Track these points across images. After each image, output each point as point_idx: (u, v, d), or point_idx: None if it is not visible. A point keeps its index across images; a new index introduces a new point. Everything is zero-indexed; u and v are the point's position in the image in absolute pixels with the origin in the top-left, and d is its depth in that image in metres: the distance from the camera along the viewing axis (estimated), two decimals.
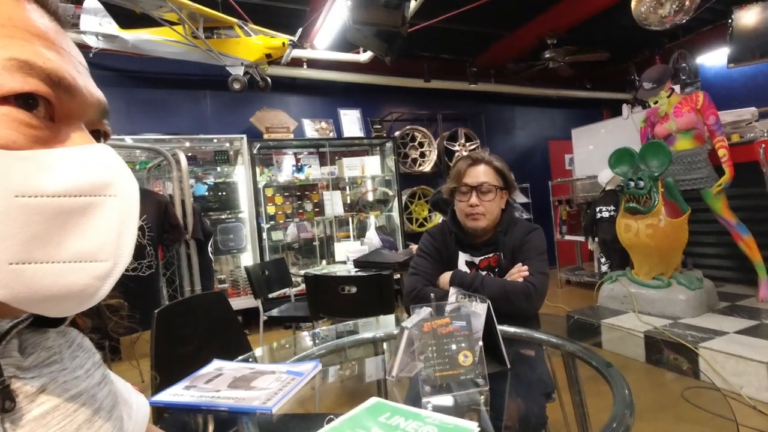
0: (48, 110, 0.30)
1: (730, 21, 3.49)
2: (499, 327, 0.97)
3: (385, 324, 1.44)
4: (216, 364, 1.10)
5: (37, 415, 0.31)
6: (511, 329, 1.19)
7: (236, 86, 3.37)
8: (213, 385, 0.96)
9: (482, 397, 0.84)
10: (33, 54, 0.28)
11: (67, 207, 0.28)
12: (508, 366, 0.96)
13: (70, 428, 0.33)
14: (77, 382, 0.35)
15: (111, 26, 3.20)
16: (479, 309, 0.91)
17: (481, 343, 0.88)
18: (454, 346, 0.86)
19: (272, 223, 4.28)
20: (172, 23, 3.11)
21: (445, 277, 1.42)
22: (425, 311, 0.92)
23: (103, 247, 0.31)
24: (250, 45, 3.26)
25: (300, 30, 3.41)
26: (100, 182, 0.30)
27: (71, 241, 0.29)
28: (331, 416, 0.74)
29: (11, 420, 0.30)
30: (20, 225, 0.26)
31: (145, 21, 3.16)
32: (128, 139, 3.38)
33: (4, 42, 0.27)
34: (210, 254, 3.08)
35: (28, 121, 0.28)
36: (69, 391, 0.34)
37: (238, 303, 3.82)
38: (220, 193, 4.02)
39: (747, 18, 3.41)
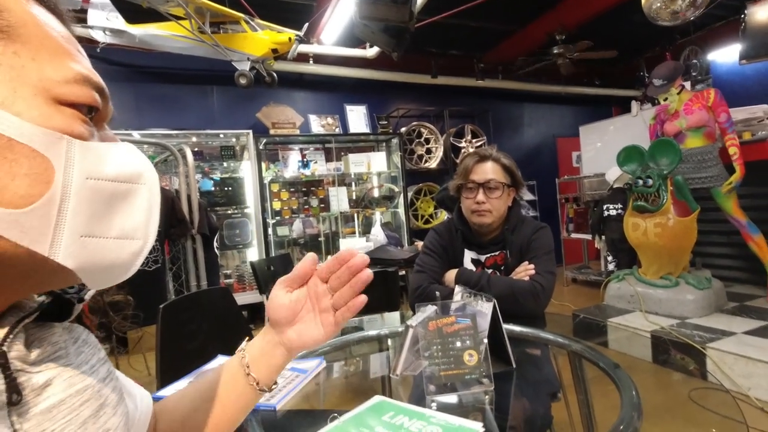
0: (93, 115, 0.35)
1: (743, 16, 3.42)
2: (505, 326, 0.96)
3: (390, 321, 1.44)
4: (220, 360, 1.10)
5: (44, 409, 0.32)
6: (517, 328, 1.18)
7: (242, 81, 3.37)
8: None
9: (487, 396, 0.84)
10: (87, 69, 0.34)
11: (116, 191, 0.33)
12: (514, 366, 0.95)
13: (75, 422, 0.34)
14: (83, 377, 0.36)
15: (118, 21, 3.20)
16: (485, 308, 0.90)
17: (486, 342, 0.87)
18: (459, 345, 0.85)
19: (278, 218, 4.29)
20: (178, 18, 3.11)
21: (451, 274, 1.41)
22: (430, 309, 0.91)
23: (138, 228, 0.35)
24: (257, 40, 3.25)
25: (306, 25, 3.40)
26: (137, 172, 0.35)
27: (116, 221, 0.33)
28: (335, 414, 0.73)
29: (18, 413, 0.31)
30: (87, 203, 0.31)
31: (153, 16, 3.17)
32: (135, 134, 3.39)
33: (62, 59, 0.32)
34: (216, 249, 3.09)
35: (87, 124, 0.34)
36: (74, 385, 0.35)
37: (244, 298, 3.84)
38: (226, 189, 4.03)
39: (761, 14, 3.34)
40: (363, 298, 0.52)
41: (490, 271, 1.44)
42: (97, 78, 0.35)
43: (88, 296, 0.39)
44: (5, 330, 0.32)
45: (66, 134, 0.31)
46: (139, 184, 0.35)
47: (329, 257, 0.51)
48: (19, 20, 0.30)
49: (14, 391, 0.30)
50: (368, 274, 0.51)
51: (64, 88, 0.31)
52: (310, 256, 0.52)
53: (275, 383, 0.54)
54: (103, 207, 0.32)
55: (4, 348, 0.31)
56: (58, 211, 0.29)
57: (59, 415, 0.33)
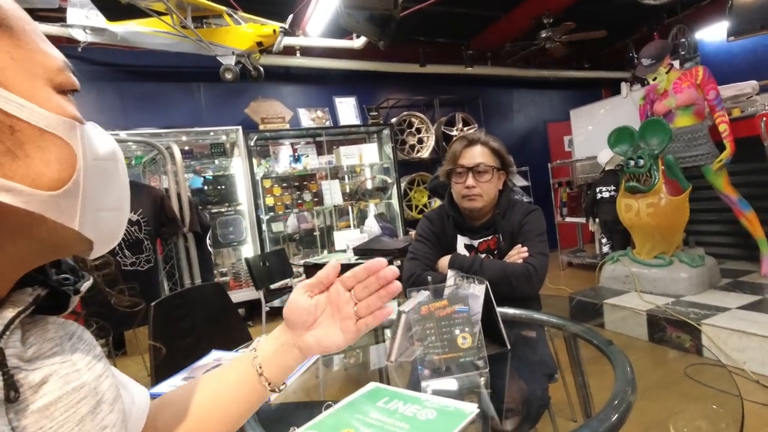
0: None
1: None
2: (500, 309, 0.95)
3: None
4: (215, 354, 1.09)
5: (41, 407, 0.32)
6: (512, 311, 1.18)
7: (228, 76, 3.32)
8: None
9: (482, 379, 0.83)
10: (59, 53, 0.35)
11: (106, 168, 0.36)
12: (508, 347, 0.95)
13: (73, 420, 0.33)
14: (79, 375, 0.36)
15: (98, 19, 3.14)
16: (477, 291, 0.90)
17: (480, 324, 0.86)
18: (452, 329, 0.85)
19: (271, 214, 4.27)
20: (160, 13, 3.05)
21: (444, 261, 1.41)
22: (423, 294, 0.90)
23: (122, 199, 0.38)
24: (241, 33, 3.20)
25: (291, 16, 3.35)
26: (113, 150, 0.38)
27: (109, 195, 0.37)
28: (330, 402, 0.73)
29: (15, 411, 0.31)
30: (95, 181, 0.34)
31: (134, 13, 3.11)
32: (122, 134, 3.34)
33: (47, 47, 0.34)
34: (209, 247, 3.07)
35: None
36: (71, 383, 0.35)
37: (241, 295, 3.83)
38: (218, 187, 4.00)
39: None
40: (390, 309, 0.52)
41: (483, 255, 1.43)
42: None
43: (83, 288, 0.39)
44: (1, 326, 0.31)
45: (76, 121, 0.34)
46: (116, 160, 0.38)
47: (356, 267, 0.51)
48: (9, 11, 0.32)
49: (12, 388, 0.30)
50: (398, 285, 0.51)
51: (61, 76, 0.34)
52: (334, 262, 0.53)
53: (284, 383, 0.54)
54: (102, 183, 0.36)
55: (1, 345, 0.31)
56: (82, 191, 0.33)
57: (57, 413, 0.33)
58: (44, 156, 0.31)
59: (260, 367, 0.51)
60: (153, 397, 0.52)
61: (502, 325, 0.94)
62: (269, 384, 0.51)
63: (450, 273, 1.13)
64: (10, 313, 0.32)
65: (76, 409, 0.34)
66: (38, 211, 0.30)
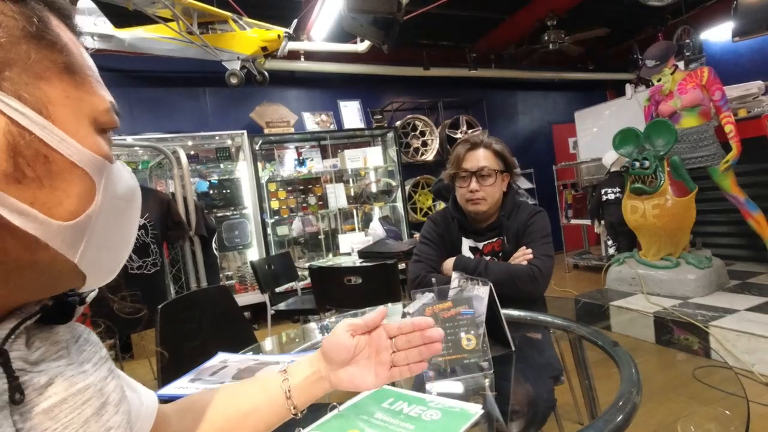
0: None
1: None
2: (505, 311, 0.95)
3: (394, 312, 1.44)
4: (221, 356, 1.10)
5: (45, 408, 0.32)
6: (516, 313, 1.18)
7: (233, 81, 3.35)
8: (218, 377, 0.95)
9: (487, 380, 0.83)
10: (110, 96, 0.37)
11: (120, 207, 0.37)
12: (513, 349, 0.95)
13: (77, 421, 0.34)
14: (84, 376, 0.36)
15: (106, 26, 3.18)
16: (481, 292, 0.90)
17: (484, 326, 0.87)
18: (457, 330, 0.85)
19: (276, 218, 4.28)
20: (166, 20, 3.09)
21: (449, 263, 1.41)
22: (427, 296, 0.90)
23: (128, 239, 0.39)
24: (246, 39, 3.23)
25: (295, 21, 3.38)
26: (131, 190, 0.38)
27: (117, 233, 0.37)
28: (335, 404, 0.73)
29: (20, 413, 0.31)
30: (107, 218, 0.35)
31: (140, 20, 3.14)
32: (129, 139, 3.38)
33: (98, 88, 0.36)
34: (215, 250, 3.09)
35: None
36: (76, 384, 0.35)
37: (246, 298, 3.84)
38: (224, 191, 4.02)
39: None
40: (424, 366, 0.54)
41: (488, 258, 1.43)
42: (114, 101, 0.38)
43: (89, 298, 0.39)
44: (7, 330, 0.32)
45: (107, 160, 0.35)
46: (132, 200, 0.38)
47: (403, 320, 0.54)
48: (73, 54, 0.34)
49: (17, 390, 0.31)
50: (439, 347, 0.54)
51: (106, 117, 0.36)
52: (381, 309, 0.54)
53: (305, 409, 0.56)
54: (113, 222, 0.36)
55: (6, 347, 0.31)
56: (91, 226, 0.33)
57: (61, 415, 0.33)
58: (68, 188, 0.32)
59: (289, 391, 0.53)
60: (160, 397, 0.53)
61: (506, 327, 0.94)
62: (294, 408, 0.53)
63: (454, 275, 1.13)
64: (15, 319, 0.33)
65: (80, 411, 0.34)
66: (45, 239, 0.31)
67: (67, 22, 0.35)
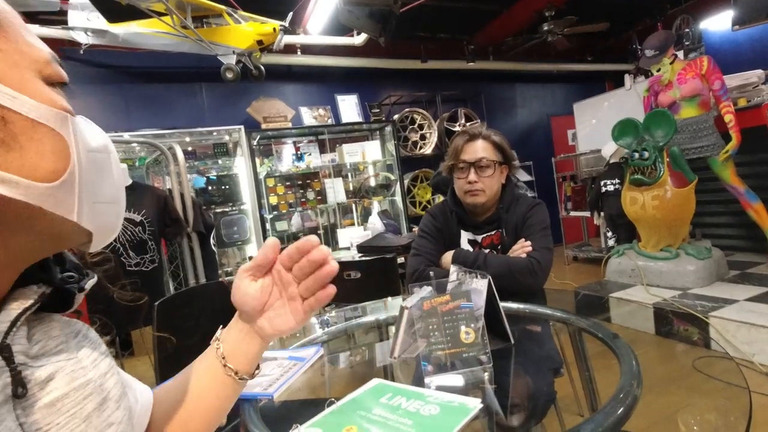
0: None
1: None
2: (505, 304, 0.94)
3: (393, 306, 1.43)
4: None
5: (48, 403, 0.32)
6: (516, 305, 1.17)
7: (229, 75, 3.32)
8: None
9: (486, 374, 0.83)
10: (46, 47, 0.35)
11: (99, 161, 0.36)
12: (512, 342, 0.94)
13: (79, 416, 0.34)
14: (84, 372, 0.36)
15: (99, 21, 3.15)
16: (480, 285, 0.89)
17: (483, 320, 0.86)
18: (455, 324, 0.84)
19: (275, 213, 4.27)
20: (160, 14, 3.05)
21: (448, 256, 1.40)
22: (426, 290, 0.90)
23: (117, 192, 0.38)
24: (241, 32, 3.20)
25: (291, 14, 3.34)
26: (104, 143, 0.38)
27: (104, 187, 0.37)
28: (332, 399, 0.72)
29: (23, 407, 0.31)
30: (90, 173, 0.34)
31: (134, 15, 3.11)
32: (126, 135, 3.35)
33: (33, 38, 0.34)
34: (213, 246, 3.08)
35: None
36: (77, 379, 0.35)
37: None
38: (222, 186, 4.00)
39: None
40: (331, 290, 0.49)
41: (487, 251, 1.42)
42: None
43: (88, 285, 0.39)
44: (7, 323, 0.31)
45: (67, 112, 0.33)
46: (109, 153, 0.38)
47: (290, 246, 0.48)
48: None
49: (19, 384, 0.31)
50: (331, 268, 0.48)
51: (49, 68, 0.34)
52: (271, 241, 0.49)
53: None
54: (97, 176, 0.36)
55: (8, 341, 0.31)
56: (78, 183, 0.33)
57: (63, 409, 0.33)
58: (38, 148, 0.31)
59: (223, 358, 0.50)
60: None
61: (505, 320, 0.93)
62: (236, 373, 0.50)
63: (453, 268, 1.12)
64: (15, 309, 0.32)
65: (82, 406, 0.34)
66: (36, 203, 0.30)
67: None
